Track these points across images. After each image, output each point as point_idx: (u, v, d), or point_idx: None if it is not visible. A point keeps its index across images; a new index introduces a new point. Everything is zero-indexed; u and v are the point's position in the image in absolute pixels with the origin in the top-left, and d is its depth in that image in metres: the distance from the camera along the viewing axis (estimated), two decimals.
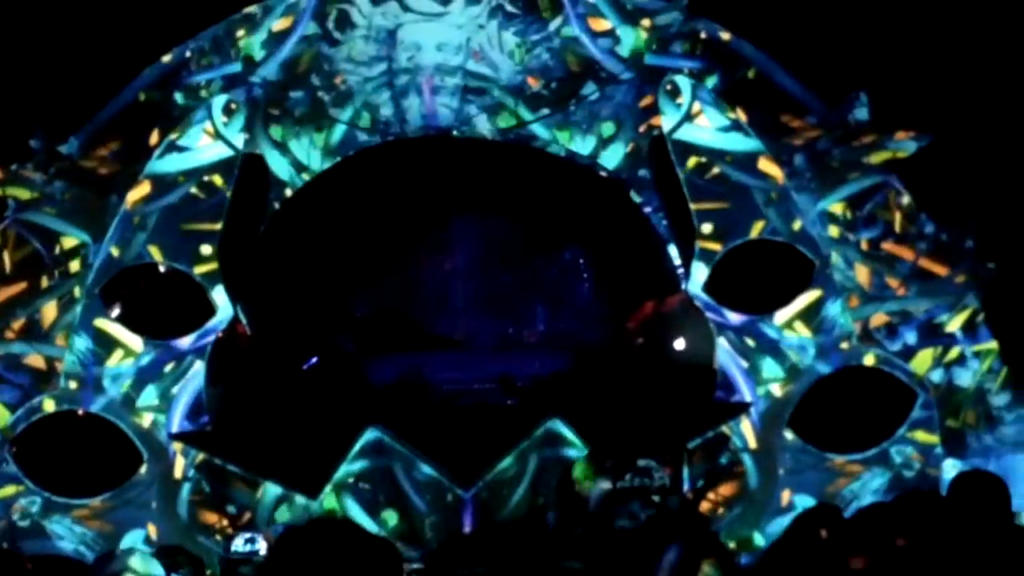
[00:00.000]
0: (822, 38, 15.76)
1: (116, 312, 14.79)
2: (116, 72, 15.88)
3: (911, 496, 9.63)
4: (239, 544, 14.13)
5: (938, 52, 15.75)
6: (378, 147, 16.12)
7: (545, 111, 16.03)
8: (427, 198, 16.26)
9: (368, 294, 16.45)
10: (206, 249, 14.93)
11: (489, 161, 16.07)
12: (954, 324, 15.30)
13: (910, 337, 15.20)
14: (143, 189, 15.05)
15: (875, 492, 14.59)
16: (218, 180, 15.17)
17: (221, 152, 15.17)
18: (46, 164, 15.48)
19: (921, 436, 14.72)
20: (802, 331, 14.86)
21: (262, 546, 14.02)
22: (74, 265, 15.34)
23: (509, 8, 15.92)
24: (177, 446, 14.66)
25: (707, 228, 14.99)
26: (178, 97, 15.75)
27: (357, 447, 14.49)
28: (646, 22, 16.00)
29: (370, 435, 14.51)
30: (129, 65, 15.91)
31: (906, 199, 15.36)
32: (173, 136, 15.23)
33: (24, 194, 15.43)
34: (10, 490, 14.46)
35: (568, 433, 14.39)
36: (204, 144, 15.20)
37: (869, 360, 14.77)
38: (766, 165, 15.25)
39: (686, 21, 16.02)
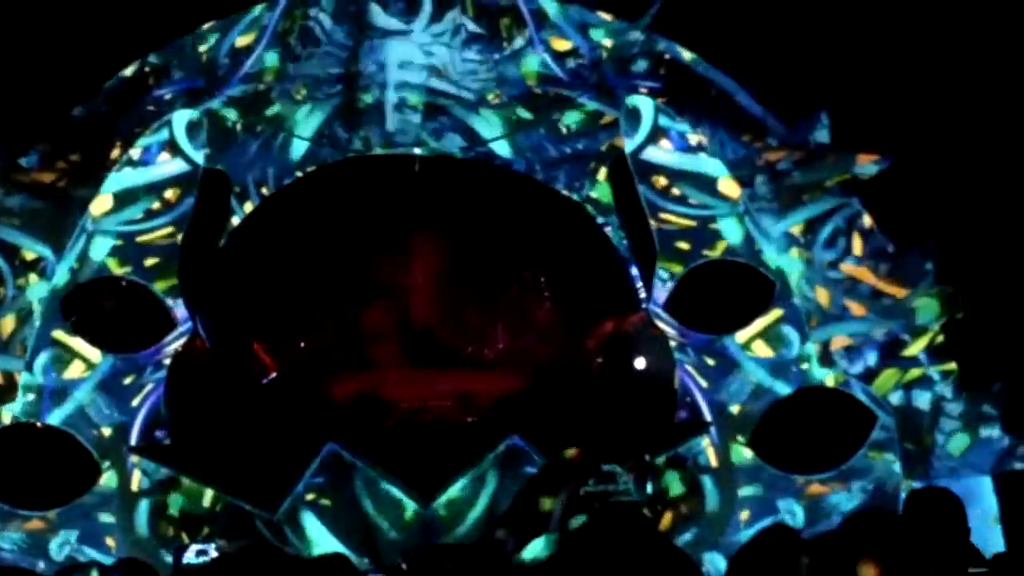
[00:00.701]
0: (782, 57, 15.81)
1: (75, 324, 14.74)
2: (77, 84, 15.83)
3: (867, 516, 9.67)
4: (191, 556, 14.07)
5: (899, 71, 15.81)
6: (338, 164, 16.12)
7: (505, 130, 16.07)
8: (387, 215, 16.22)
9: (326, 310, 16.38)
10: (166, 263, 14.89)
11: (450, 179, 16.07)
12: (915, 347, 15.36)
13: (870, 358, 15.25)
14: (104, 203, 15.02)
15: (835, 512, 14.64)
16: (178, 195, 15.17)
17: (182, 167, 15.18)
18: (5, 176, 15.38)
19: (881, 457, 14.78)
20: (762, 351, 14.90)
21: (215, 554, 13.98)
22: (33, 278, 15.25)
23: (471, 28, 15.97)
24: (136, 459, 14.60)
25: (682, 245, 15.06)
26: (139, 111, 15.70)
27: (316, 463, 14.46)
28: (607, 42, 16.08)
29: (329, 451, 14.50)
30: (90, 78, 15.85)
31: (866, 220, 15.42)
32: (134, 150, 15.22)
33: None
34: None
35: (527, 450, 14.38)
36: (164, 159, 15.21)
37: (829, 381, 14.83)
38: (726, 186, 15.33)
39: (647, 41, 16.09)
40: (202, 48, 15.90)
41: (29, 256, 15.28)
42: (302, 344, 15.96)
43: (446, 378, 15.68)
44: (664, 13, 15.98)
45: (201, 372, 15.05)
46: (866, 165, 15.45)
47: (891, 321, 15.30)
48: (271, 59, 15.93)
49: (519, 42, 15.99)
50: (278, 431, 14.76)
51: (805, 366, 14.88)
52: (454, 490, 14.38)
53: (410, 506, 14.50)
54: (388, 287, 16.35)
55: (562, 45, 16.07)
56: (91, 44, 16.18)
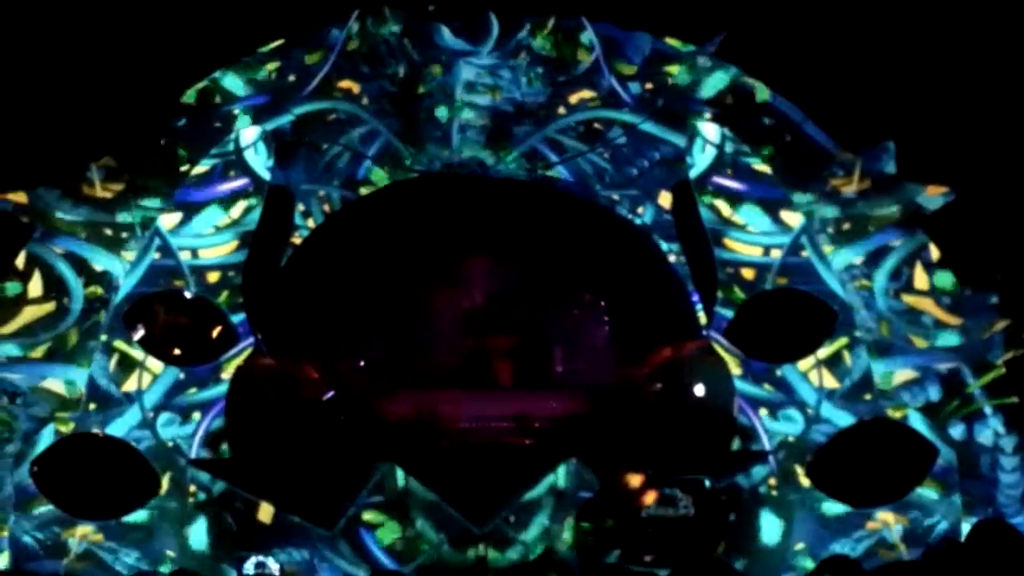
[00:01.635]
0: (849, 87, 15.83)
1: (139, 336, 14.86)
2: (144, 99, 15.99)
3: (933, 550, 9.67)
4: (249, 568, 14.21)
5: (966, 105, 15.81)
6: (402, 183, 16.19)
7: (569, 153, 16.10)
8: (448, 236, 16.30)
9: (385, 330, 16.43)
10: (230, 278, 15.05)
11: (512, 201, 16.13)
12: (978, 381, 15.28)
13: (932, 392, 15.17)
14: (172, 217, 15.16)
15: (894, 545, 14.58)
16: (243, 211, 15.30)
17: (247, 183, 15.31)
18: (71, 190, 15.53)
19: (941, 490, 14.70)
20: (824, 381, 14.85)
21: (274, 568, 14.09)
22: (98, 290, 15.37)
23: (537, 50, 16.04)
24: (195, 472, 14.68)
25: (744, 273, 15.11)
26: (207, 126, 15.82)
27: (372, 481, 14.52)
28: (673, 68, 16.12)
29: (385, 470, 14.56)
30: (158, 93, 16.01)
31: (932, 253, 15.36)
32: (200, 166, 15.37)
33: (51, 219, 15.49)
34: (31, 508, 14.54)
35: (585, 474, 14.41)
36: (230, 175, 15.35)
37: (890, 413, 14.76)
38: (789, 215, 15.32)
39: (713, 67, 16.11)
40: (270, 66, 16.04)
41: (94, 268, 15.41)
42: (361, 362, 16.01)
43: (503, 400, 15.69)
44: (731, 40, 16.05)
45: (261, 388, 15.13)
46: (932, 198, 15.42)
47: (953, 355, 15.24)
48: (338, 78, 16.09)
49: (584, 65, 16.07)
50: (336, 448, 14.80)
51: (867, 397, 14.82)
52: (510, 511, 14.42)
53: (464, 527, 14.54)
54: (447, 308, 16.42)
55: (628, 70, 16.14)
56: (158, 59, 16.40)
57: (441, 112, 15.92)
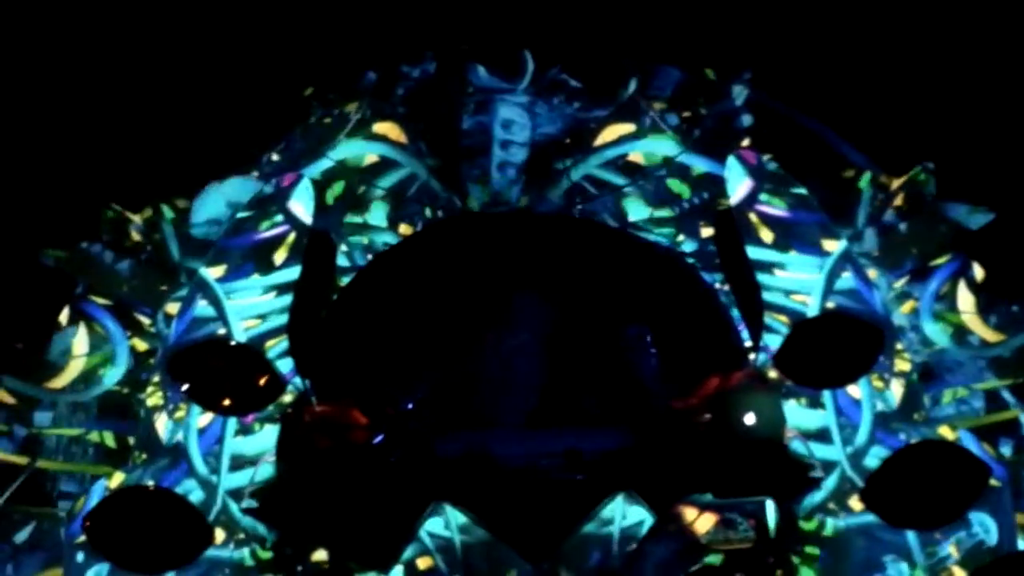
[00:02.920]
0: (885, 110, 15.90)
1: (185, 387, 14.88)
2: (184, 148, 16.14)
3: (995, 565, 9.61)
4: None
5: (1005, 124, 15.86)
6: (442, 222, 16.30)
7: (614, 186, 16.19)
8: (491, 273, 16.35)
9: (432, 371, 16.44)
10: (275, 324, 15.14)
11: (554, 236, 16.19)
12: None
13: (981, 411, 15.18)
14: (216, 268, 15.20)
15: (946, 565, 14.53)
16: (285, 257, 15.36)
17: (288, 229, 15.39)
18: (115, 243, 15.63)
19: (994, 509, 14.66)
20: (875, 404, 14.84)
21: None
22: (142, 344, 15.44)
23: (573, 84, 16.14)
24: (249, 520, 14.72)
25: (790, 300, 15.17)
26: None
27: (424, 521, 14.52)
28: (709, 98, 16.21)
29: (438, 510, 14.57)
30: (197, 141, 16.16)
31: (976, 272, 15.36)
32: (240, 213, 15.45)
33: (92, 274, 15.58)
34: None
35: (639, 507, 14.41)
36: (272, 221, 15.45)
37: (943, 432, 14.72)
38: (831, 241, 15.34)
39: (749, 96, 16.19)
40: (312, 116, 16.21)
41: (138, 320, 15.48)
42: (410, 404, 16.01)
43: (553, 436, 15.66)
44: (767, 67, 16.15)
45: (311, 433, 15.12)
46: (973, 216, 15.43)
47: (1002, 372, 15.23)
48: (374, 120, 16.21)
49: (621, 99, 16.14)
50: (387, 490, 14.79)
51: (917, 417, 14.80)
52: (566, 546, 14.42)
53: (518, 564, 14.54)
54: (494, 345, 16.43)
55: (663, 102, 16.23)
56: (196, 110, 16.55)
57: (479, 151, 16.07)
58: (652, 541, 14.18)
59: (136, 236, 15.85)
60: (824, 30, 17.04)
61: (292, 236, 15.42)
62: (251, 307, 15.28)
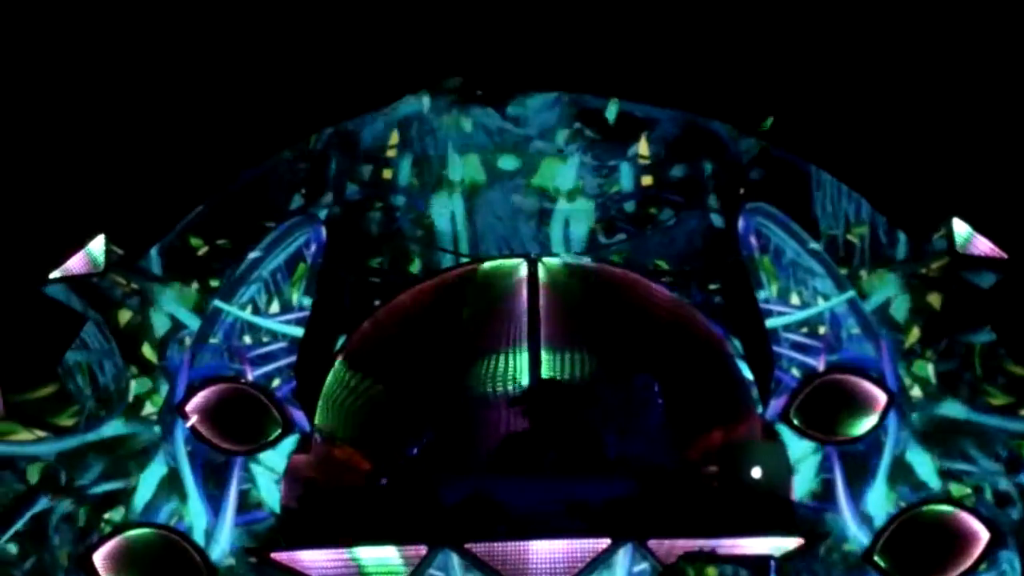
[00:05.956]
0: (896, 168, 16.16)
1: (192, 423, 15.01)
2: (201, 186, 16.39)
3: None
4: None
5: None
6: (451, 269, 16.65)
7: (621, 236, 16.41)
8: (497, 321, 16.50)
9: (437, 415, 16.52)
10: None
11: (564, 283, 16.44)
12: None
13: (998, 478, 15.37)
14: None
15: None
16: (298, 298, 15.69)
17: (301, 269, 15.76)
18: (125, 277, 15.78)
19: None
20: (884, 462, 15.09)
21: None
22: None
23: (589, 134, 16.43)
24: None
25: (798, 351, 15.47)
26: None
27: (428, 566, 14.58)
28: (719, 150, 16.48)
29: (441, 555, 14.63)
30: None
31: (986, 334, 15.55)
32: (253, 253, 15.75)
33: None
34: None
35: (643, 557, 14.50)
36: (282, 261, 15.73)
37: (952, 492, 14.97)
38: (837, 294, 15.59)
39: (760, 150, 16.45)
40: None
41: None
42: (415, 449, 16.06)
43: (557, 485, 15.68)
44: (777, 122, 16.41)
45: (316, 475, 15.28)
46: (984, 276, 15.62)
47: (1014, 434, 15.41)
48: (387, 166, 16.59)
49: (633, 148, 16.52)
50: (392, 533, 14.85)
51: (923, 481, 15.10)
52: None
53: None
54: (499, 393, 16.52)
55: (674, 152, 16.56)
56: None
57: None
58: None
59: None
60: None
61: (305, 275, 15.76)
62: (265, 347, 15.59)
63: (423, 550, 14.50)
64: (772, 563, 14.22)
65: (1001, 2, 17.80)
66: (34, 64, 18.42)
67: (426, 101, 16.49)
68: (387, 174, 16.73)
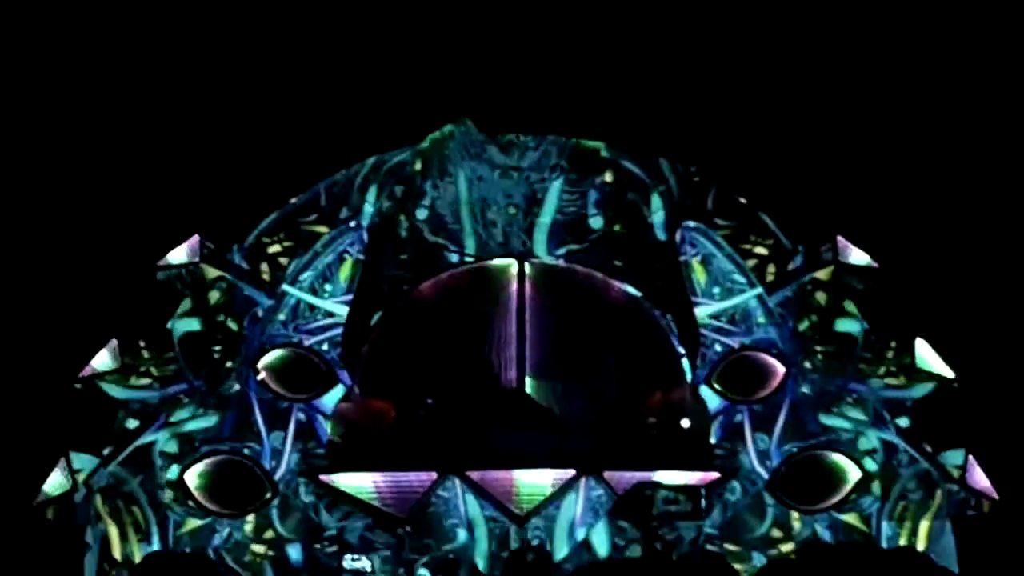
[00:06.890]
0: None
1: (260, 378, 19.52)
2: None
3: None
4: (348, 562, 18.87)
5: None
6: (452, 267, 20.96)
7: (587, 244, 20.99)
8: (496, 311, 20.77)
9: (450, 379, 20.41)
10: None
11: (547, 283, 20.77)
12: None
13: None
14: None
15: None
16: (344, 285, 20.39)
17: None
18: (214, 267, 20.23)
19: None
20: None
21: (366, 564, 18.70)
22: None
23: (565, 165, 20.93)
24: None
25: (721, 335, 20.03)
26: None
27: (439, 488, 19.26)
28: (672, 179, 20.94)
29: (446, 480, 19.28)
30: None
31: (858, 325, 20.04)
32: (312, 250, 20.38)
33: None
34: None
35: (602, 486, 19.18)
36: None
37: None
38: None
39: (717, 193, 20.84)
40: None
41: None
42: (429, 400, 20.23)
43: (542, 438, 19.71)
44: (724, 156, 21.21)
45: (356, 418, 19.85)
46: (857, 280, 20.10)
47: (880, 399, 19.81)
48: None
49: (606, 177, 20.93)
50: (411, 462, 19.39)
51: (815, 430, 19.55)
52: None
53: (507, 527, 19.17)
54: (500, 373, 20.62)
55: (635, 183, 21.02)
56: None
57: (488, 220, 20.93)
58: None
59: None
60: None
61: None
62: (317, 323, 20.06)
63: (434, 475, 19.10)
64: (702, 491, 18.60)
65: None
66: (157, 93, 22.92)
67: (449, 135, 20.78)
68: (413, 193, 20.88)
